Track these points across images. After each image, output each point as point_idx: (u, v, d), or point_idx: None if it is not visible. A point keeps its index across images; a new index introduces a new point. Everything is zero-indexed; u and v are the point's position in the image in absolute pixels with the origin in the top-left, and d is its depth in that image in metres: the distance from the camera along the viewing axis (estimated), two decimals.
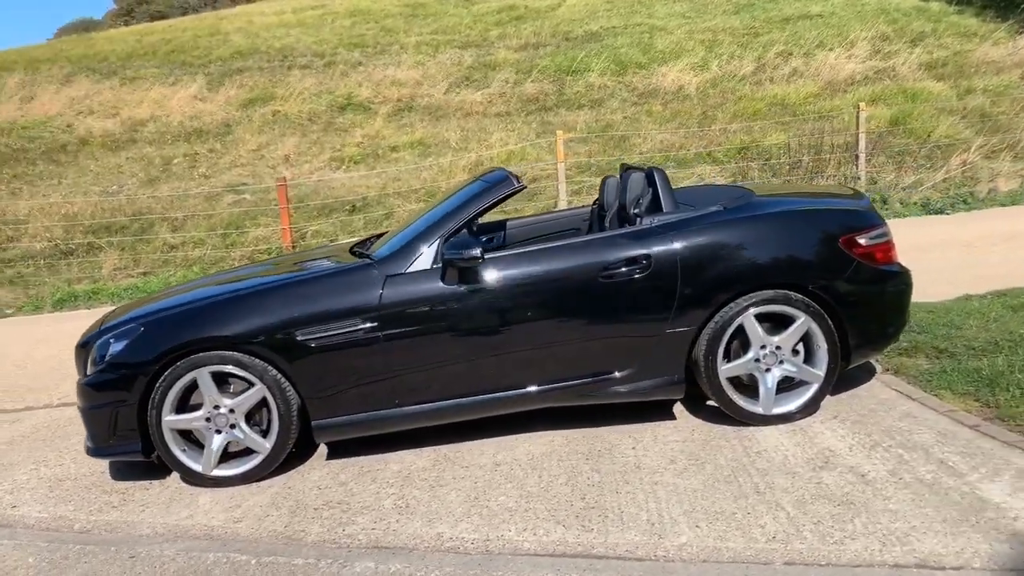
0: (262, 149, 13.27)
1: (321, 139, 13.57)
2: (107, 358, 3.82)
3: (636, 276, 3.83)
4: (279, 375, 3.79)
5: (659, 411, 4.22)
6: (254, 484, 3.87)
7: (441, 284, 3.81)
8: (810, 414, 3.98)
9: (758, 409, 3.93)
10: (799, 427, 3.90)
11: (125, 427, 3.81)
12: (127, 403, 3.77)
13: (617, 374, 3.92)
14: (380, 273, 3.85)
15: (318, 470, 3.98)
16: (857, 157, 9.98)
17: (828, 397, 4.21)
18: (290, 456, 4.02)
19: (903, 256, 4.22)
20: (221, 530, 3.44)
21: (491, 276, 3.82)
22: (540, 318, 3.85)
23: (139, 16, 40.91)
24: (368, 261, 3.97)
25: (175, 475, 3.99)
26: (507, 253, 3.92)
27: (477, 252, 3.70)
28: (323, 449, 4.23)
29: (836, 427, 3.86)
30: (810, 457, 3.55)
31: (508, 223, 5.35)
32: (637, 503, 3.29)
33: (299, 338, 3.75)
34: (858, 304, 3.93)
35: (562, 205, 9.97)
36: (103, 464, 4.26)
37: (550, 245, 3.98)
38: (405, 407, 3.88)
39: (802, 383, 3.97)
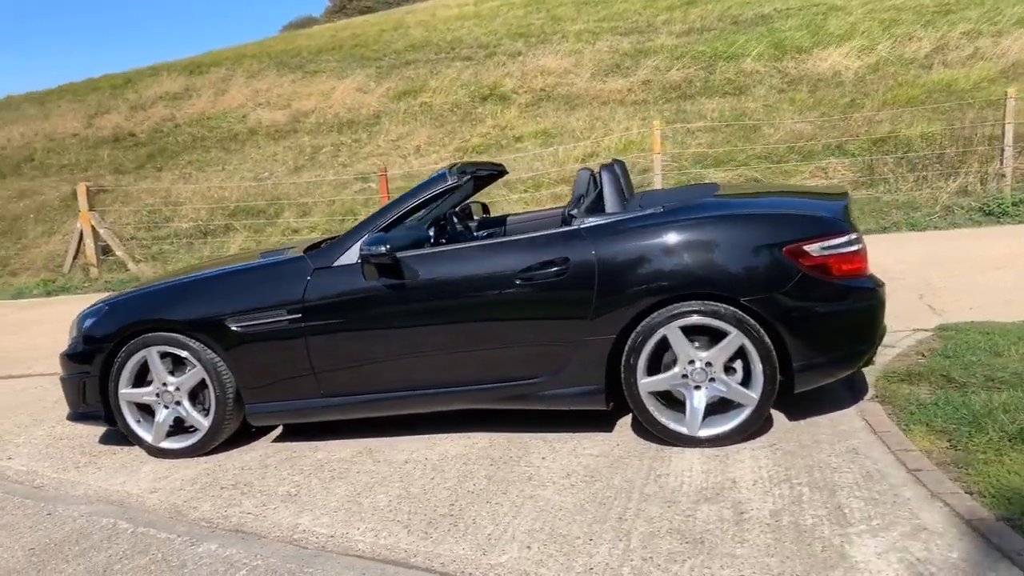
0: (401, 140, 13.85)
1: (456, 129, 13.93)
2: (80, 333, 4.24)
3: (554, 280, 3.66)
4: (216, 358, 4.01)
5: (598, 420, 4.01)
6: (195, 458, 4.14)
7: (361, 280, 3.86)
8: (742, 439, 3.61)
9: (683, 429, 3.63)
10: (724, 452, 3.56)
11: (92, 397, 4.21)
12: (91, 375, 4.17)
13: (538, 380, 3.77)
14: (309, 266, 3.96)
15: (256, 451, 4.18)
16: (1003, 151, 8.72)
17: (787, 421, 3.83)
18: (249, 434, 4.28)
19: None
20: (134, 498, 3.72)
21: (409, 274, 3.80)
22: (458, 319, 3.79)
23: (350, 11, 43.82)
24: (301, 254, 4.09)
25: None
26: (425, 252, 3.88)
27: (383, 249, 3.70)
28: (279, 431, 4.43)
29: (763, 456, 3.48)
30: (705, 487, 3.24)
31: (508, 218, 5.28)
32: (496, 516, 3.17)
33: (230, 324, 3.95)
34: (803, 322, 3.51)
35: None
36: (100, 428, 4.71)
37: (468, 245, 3.90)
38: (329, 399, 3.98)
39: (738, 404, 3.62)
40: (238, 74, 19.72)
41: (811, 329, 3.52)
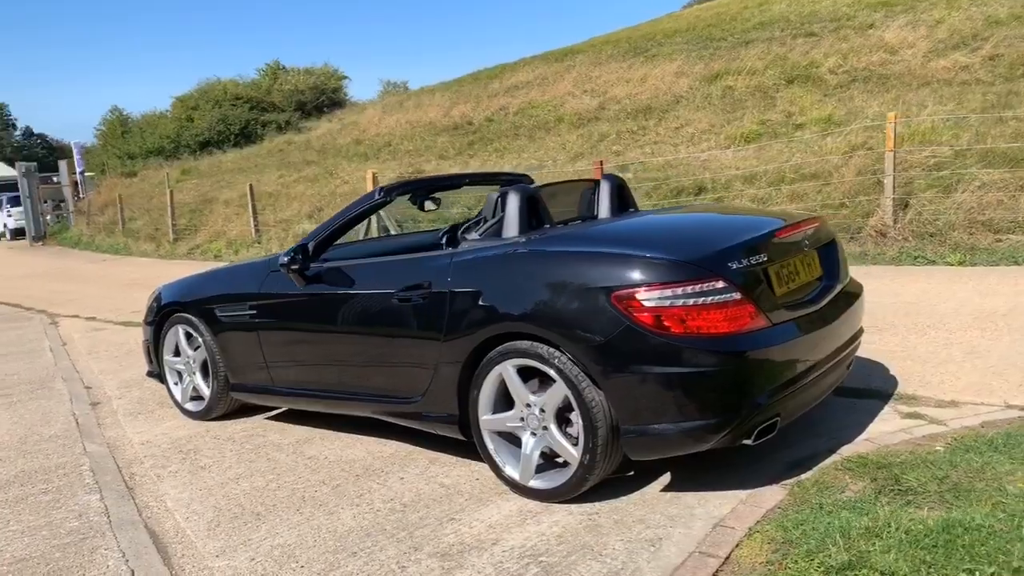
0: (682, 127, 13.44)
1: (746, 115, 13.06)
2: (147, 306, 5.22)
3: (419, 303, 3.61)
4: (212, 341, 4.68)
5: None
6: (204, 421, 4.86)
7: (292, 285, 4.19)
8: (568, 498, 3.22)
9: (515, 475, 3.36)
10: (543, 509, 3.21)
11: (154, 359, 5.19)
12: (150, 342, 5.13)
13: (410, 400, 3.75)
14: (269, 268, 4.40)
15: (243, 424, 4.77)
16: None
17: (657, 490, 3.32)
18: (262, 409, 4.94)
19: None
20: (126, 446, 4.54)
21: (329, 282, 4.03)
22: (349, 330, 3.94)
23: None
24: (276, 256, 4.53)
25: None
26: (331, 265, 4.05)
27: (285, 259, 4.01)
28: (281, 409, 4.98)
29: (564, 521, 3.07)
30: (465, 542, 2.99)
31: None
32: (277, 526, 3.30)
33: (216, 313, 4.59)
34: (629, 381, 2.99)
35: (886, 203, 8.07)
36: None
37: (369, 261, 4.01)
38: (276, 387, 4.40)
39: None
40: (582, 62, 20.42)
41: (638, 391, 2.99)
